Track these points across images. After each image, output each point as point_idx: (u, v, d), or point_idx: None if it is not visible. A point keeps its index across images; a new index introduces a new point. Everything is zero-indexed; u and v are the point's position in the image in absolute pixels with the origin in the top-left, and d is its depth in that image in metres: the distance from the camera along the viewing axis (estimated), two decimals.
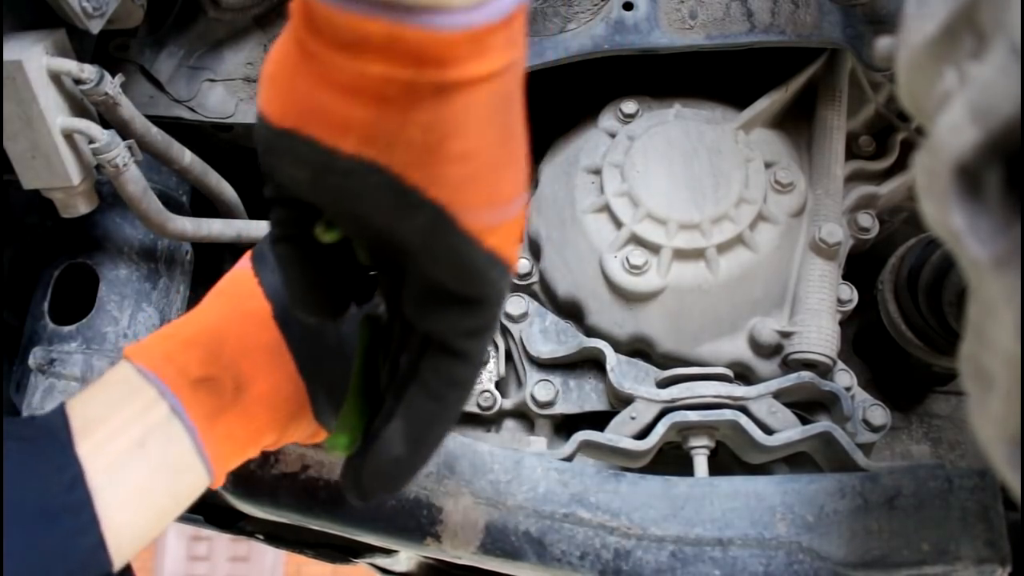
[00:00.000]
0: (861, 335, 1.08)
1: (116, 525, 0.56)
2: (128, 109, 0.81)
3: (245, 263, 0.69)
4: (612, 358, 0.93)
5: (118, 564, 0.57)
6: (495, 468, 0.84)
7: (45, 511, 0.54)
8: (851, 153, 1.03)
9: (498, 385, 1.00)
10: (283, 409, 0.66)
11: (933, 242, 0.97)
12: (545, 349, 0.97)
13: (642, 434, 0.89)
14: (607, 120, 1.03)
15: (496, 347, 1.00)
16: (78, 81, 0.77)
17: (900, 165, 1.04)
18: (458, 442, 0.85)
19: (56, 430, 0.58)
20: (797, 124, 1.03)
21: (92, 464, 0.57)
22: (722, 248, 0.92)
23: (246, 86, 0.96)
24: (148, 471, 0.59)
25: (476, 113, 0.44)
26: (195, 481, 0.63)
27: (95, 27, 0.77)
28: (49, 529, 0.54)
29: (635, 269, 0.92)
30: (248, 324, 0.66)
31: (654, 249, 0.92)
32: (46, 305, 0.88)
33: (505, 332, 1.00)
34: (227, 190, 0.95)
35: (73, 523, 0.55)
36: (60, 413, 0.59)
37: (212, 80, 0.96)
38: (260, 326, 0.66)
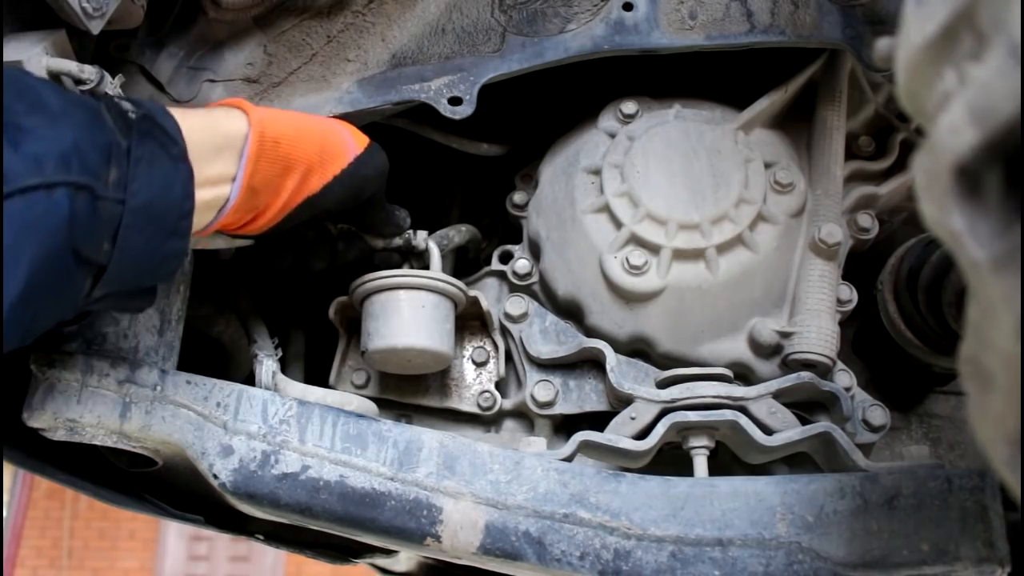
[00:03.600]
0: (861, 335, 1.08)
1: None
2: None
3: None
4: (612, 358, 0.93)
5: None
6: (495, 468, 0.84)
7: None
8: (851, 153, 1.03)
9: (498, 385, 1.00)
10: None
11: (933, 242, 0.97)
12: (545, 349, 0.97)
13: (642, 434, 0.89)
14: (607, 120, 1.03)
15: (496, 347, 1.00)
16: (78, 81, 0.77)
17: (900, 165, 1.04)
18: (458, 442, 0.85)
19: None
20: (797, 124, 1.03)
21: None
22: (722, 248, 0.92)
23: (246, 86, 0.96)
24: None
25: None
26: None
27: (95, 27, 0.78)
28: None
29: (635, 269, 0.92)
30: None
31: (654, 249, 0.92)
32: None
33: (505, 332, 1.00)
34: None
35: None
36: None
37: (212, 80, 0.96)
38: None
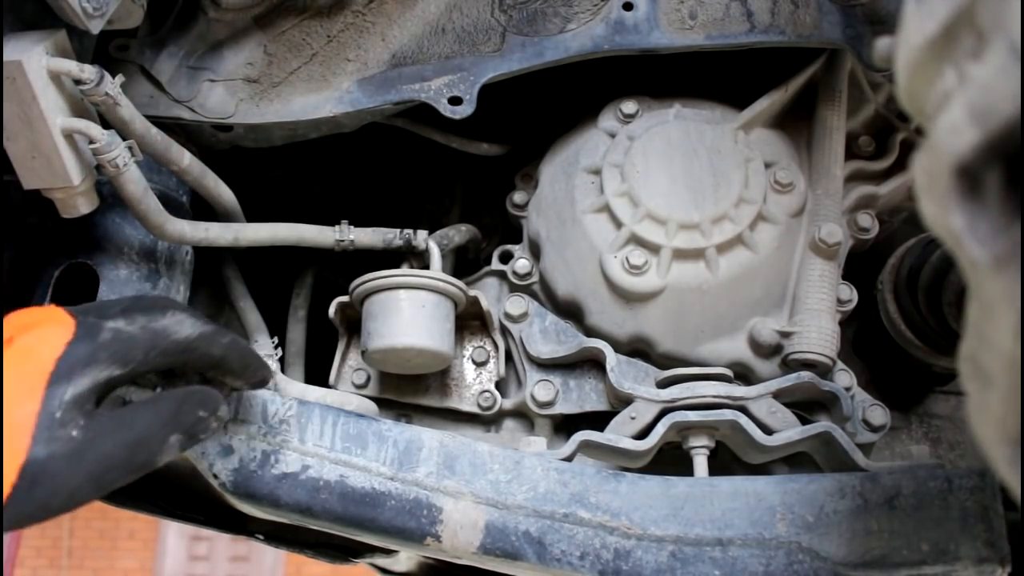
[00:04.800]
0: (861, 335, 1.08)
1: None
2: (128, 109, 0.81)
3: None
4: (612, 358, 0.93)
5: None
6: (495, 468, 0.84)
7: None
8: (851, 153, 1.03)
9: (498, 385, 1.00)
10: None
11: (933, 242, 0.97)
12: (545, 349, 0.97)
13: (642, 434, 0.89)
14: (607, 120, 1.03)
15: (496, 347, 1.00)
16: (78, 81, 0.77)
17: (900, 165, 1.04)
18: (458, 442, 0.85)
19: None
20: (797, 124, 1.03)
21: None
22: (722, 248, 0.92)
23: (246, 86, 0.96)
24: None
25: None
26: None
27: (95, 27, 0.77)
28: None
29: (635, 269, 0.92)
30: None
31: (654, 249, 0.92)
32: (46, 305, 0.88)
33: (505, 332, 1.00)
34: (225, 192, 0.95)
35: None
36: None
37: (212, 80, 0.96)
38: None
